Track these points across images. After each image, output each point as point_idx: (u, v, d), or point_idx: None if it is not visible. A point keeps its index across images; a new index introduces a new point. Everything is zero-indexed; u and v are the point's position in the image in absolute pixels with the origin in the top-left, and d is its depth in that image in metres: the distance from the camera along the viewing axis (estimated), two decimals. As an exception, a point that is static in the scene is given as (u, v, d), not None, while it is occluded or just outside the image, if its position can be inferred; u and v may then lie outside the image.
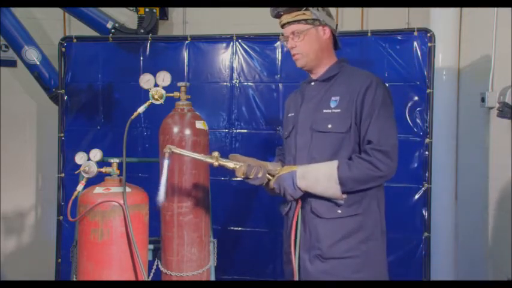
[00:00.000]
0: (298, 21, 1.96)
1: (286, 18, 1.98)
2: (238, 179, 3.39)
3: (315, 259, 1.90)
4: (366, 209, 1.89)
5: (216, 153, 1.91)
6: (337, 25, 2.03)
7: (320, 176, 1.83)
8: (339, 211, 1.88)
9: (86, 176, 2.16)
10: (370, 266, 1.89)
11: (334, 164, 1.83)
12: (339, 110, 1.90)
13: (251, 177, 1.89)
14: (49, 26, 4.25)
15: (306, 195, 1.90)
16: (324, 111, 1.92)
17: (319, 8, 1.95)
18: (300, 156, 1.96)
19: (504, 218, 3.01)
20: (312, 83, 2.04)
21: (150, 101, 2.13)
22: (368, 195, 1.89)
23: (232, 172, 3.48)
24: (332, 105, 1.92)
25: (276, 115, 3.41)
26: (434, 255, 3.26)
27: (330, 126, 1.90)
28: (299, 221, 1.93)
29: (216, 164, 1.90)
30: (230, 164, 1.92)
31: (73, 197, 2.17)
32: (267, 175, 1.92)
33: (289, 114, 2.10)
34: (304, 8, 1.93)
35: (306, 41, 1.97)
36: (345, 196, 1.85)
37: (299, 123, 2.00)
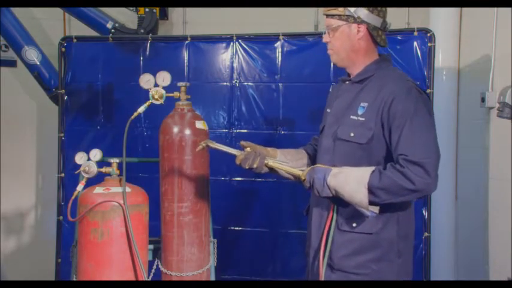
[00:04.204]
0: (332, 16, 1.85)
1: (323, 10, 1.89)
2: (238, 178, 3.44)
3: (326, 266, 1.84)
4: (381, 228, 1.78)
5: (248, 148, 1.88)
6: (384, 21, 1.85)
7: (351, 178, 1.70)
8: (354, 224, 1.79)
9: (86, 176, 2.16)
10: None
11: (369, 169, 1.71)
12: (363, 119, 1.78)
13: (246, 167, 1.84)
14: (49, 26, 4.24)
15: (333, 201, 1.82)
16: (351, 117, 1.82)
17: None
18: (323, 160, 1.88)
19: (504, 218, 3.01)
20: (347, 82, 1.92)
21: (150, 101, 2.14)
22: (384, 216, 1.77)
23: (231, 172, 3.50)
24: (360, 112, 1.80)
25: (276, 115, 3.41)
26: (434, 255, 3.26)
27: (352, 134, 1.80)
28: (332, 228, 1.82)
29: (238, 154, 1.88)
30: (234, 152, 1.89)
31: (73, 197, 2.17)
32: (272, 163, 1.86)
33: (327, 110, 1.99)
34: None
35: (337, 38, 1.86)
36: (374, 210, 1.70)
37: (327, 124, 1.92)
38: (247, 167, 1.84)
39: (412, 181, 1.64)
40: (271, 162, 1.86)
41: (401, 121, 1.71)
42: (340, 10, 1.83)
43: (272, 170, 1.90)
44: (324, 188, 1.73)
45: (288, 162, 1.93)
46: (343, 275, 1.81)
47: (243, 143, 1.90)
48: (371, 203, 1.70)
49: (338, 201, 1.79)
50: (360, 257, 1.79)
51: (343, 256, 1.80)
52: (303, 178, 1.79)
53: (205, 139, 2.25)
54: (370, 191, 1.68)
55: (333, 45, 1.88)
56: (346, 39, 1.85)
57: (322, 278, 1.83)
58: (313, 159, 2.04)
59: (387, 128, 1.75)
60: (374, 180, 1.67)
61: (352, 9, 1.81)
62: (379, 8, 1.84)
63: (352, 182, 1.70)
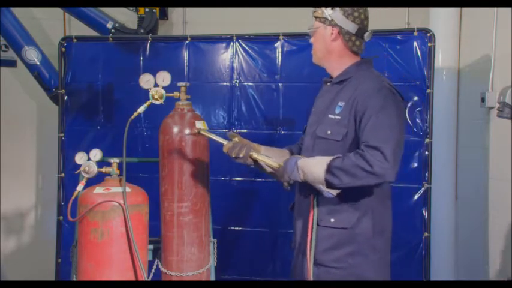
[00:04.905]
0: (315, 18, 1.96)
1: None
2: (238, 178, 3.44)
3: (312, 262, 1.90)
4: (355, 223, 1.86)
5: (236, 138, 1.94)
6: (360, 28, 1.92)
7: (319, 163, 1.78)
8: (332, 220, 1.87)
9: (86, 176, 2.16)
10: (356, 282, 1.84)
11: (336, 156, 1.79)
12: (339, 117, 1.88)
13: (232, 156, 1.90)
14: (49, 26, 4.24)
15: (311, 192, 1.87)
16: (329, 116, 1.91)
17: (337, 8, 1.89)
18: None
19: (504, 218, 3.01)
20: (328, 84, 2.02)
21: (150, 101, 2.13)
22: (359, 210, 1.86)
23: (231, 172, 3.51)
24: (337, 111, 1.89)
25: (276, 115, 3.41)
26: (434, 255, 3.25)
27: (329, 132, 1.89)
28: (314, 223, 1.89)
29: (225, 143, 1.95)
30: (222, 141, 1.96)
31: (73, 197, 2.17)
32: (256, 155, 1.91)
33: (313, 109, 2.07)
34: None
35: (316, 39, 1.97)
36: (331, 192, 1.77)
37: (309, 124, 2.01)
38: (233, 156, 1.91)
39: (370, 164, 1.70)
40: (255, 155, 1.92)
41: (367, 115, 1.79)
42: (319, 13, 1.93)
43: (256, 163, 1.96)
44: (294, 170, 1.80)
45: (271, 158, 1.97)
46: (324, 270, 1.88)
47: (230, 133, 1.98)
48: (332, 185, 1.75)
49: (317, 195, 1.86)
50: (337, 251, 1.87)
51: (323, 250, 1.88)
52: (280, 165, 1.86)
53: (205, 139, 2.26)
54: (330, 171, 1.74)
55: (314, 45, 2.00)
56: (322, 40, 1.96)
57: (310, 277, 1.88)
58: None
59: (358, 124, 1.83)
60: (336, 161, 1.75)
61: (329, 11, 1.90)
62: (355, 14, 1.91)
63: (316, 163, 1.78)
